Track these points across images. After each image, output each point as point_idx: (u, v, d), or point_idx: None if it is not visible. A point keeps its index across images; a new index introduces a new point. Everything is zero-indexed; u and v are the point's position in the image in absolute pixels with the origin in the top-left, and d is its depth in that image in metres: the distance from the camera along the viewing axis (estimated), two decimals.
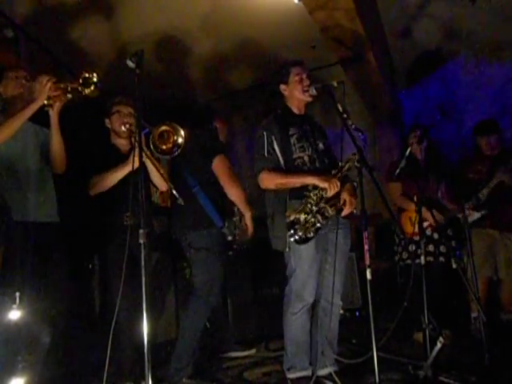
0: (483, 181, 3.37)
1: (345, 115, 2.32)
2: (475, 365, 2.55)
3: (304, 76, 2.57)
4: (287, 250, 2.41)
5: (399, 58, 4.84)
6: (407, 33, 4.30)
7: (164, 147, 2.36)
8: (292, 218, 2.33)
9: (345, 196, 2.42)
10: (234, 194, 2.76)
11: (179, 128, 2.36)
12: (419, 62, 4.90)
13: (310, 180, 2.39)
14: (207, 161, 2.76)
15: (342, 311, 4.16)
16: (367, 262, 2.10)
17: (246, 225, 2.85)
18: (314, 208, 2.36)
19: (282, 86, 2.62)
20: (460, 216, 3.25)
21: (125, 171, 2.55)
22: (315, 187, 2.38)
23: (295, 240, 2.34)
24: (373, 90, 4.67)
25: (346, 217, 2.49)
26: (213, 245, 2.69)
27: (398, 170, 3.08)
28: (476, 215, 3.35)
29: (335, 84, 2.37)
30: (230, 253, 3.29)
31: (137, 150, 2.40)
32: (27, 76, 2.50)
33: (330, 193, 2.35)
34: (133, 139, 2.53)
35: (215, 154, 2.75)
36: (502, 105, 4.61)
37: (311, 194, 2.37)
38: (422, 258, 2.64)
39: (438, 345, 2.35)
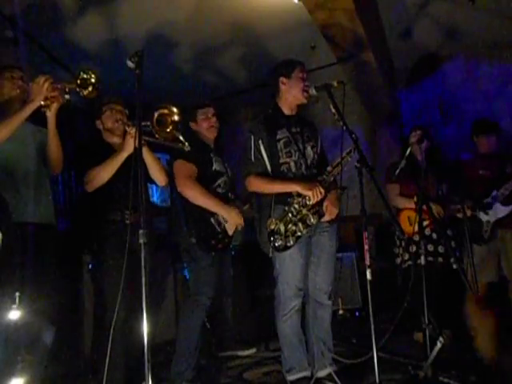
0: (496, 177, 3.36)
1: (336, 116, 2.31)
2: (475, 365, 2.56)
3: (305, 76, 2.58)
4: (271, 254, 2.46)
5: (399, 58, 4.84)
6: (407, 33, 4.30)
7: (167, 130, 2.33)
8: (272, 227, 2.37)
9: (327, 203, 2.45)
10: (191, 198, 2.73)
11: (171, 106, 2.33)
12: (419, 62, 4.90)
13: (294, 187, 2.41)
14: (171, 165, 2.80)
15: (341, 311, 4.22)
16: (367, 262, 2.10)
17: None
18: (296, 217, 2.39)
19: (283, 79, 2.57)
20: (460, 215, 3.25)
21: (123, 156, 2.50)
22: (299, 194, 2.40)
23: (275, 248, 2.38)
24: (372, 90, 4.67)
25: (329, 222, 2.52)
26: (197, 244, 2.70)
27: (397, 170, 3.08)
28: (501, 212, 3.31)
29: (335, 84, 2.36)
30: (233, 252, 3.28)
31: (132, 136, 2.40)
32: (24, 76, 2.47)
33: (314, 200, 2.37)
34: (127, 128, 2.47)
35: (175, 158, 2.77)
36: (502, 105, 4.61)
37: (294, 202, 2.40)
38: (422, 257, 2.64)
39: (438, 345, 2.35)
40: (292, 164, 2.50)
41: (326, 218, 2.48)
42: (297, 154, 2.51)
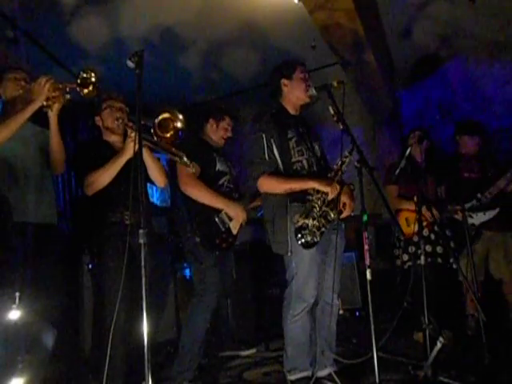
0: (480, 179, 3.37)
1: (335, 118, 2.31)
2: (475, 365, 2.56)
3: (307, 76, 2.59)
4: (289, 254, 2.41)
5: (399, 58, 4.84)
6: (407, 33, 4.30)
7: (168, 135, 2.31)
8: (300, 223, 2.35)
9: (344, 199, 2.43)
10: (194, 196, 2.74)
11: (177, 113, 2.31)
12: (419, 63, 4.90)
13: (312, 184, 2.40)
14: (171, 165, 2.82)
15: (342, 311, 4.22)
16: (367, 262, 2.10)
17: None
18: (319, 212, 2.38)
19: (284, 81, 2.58)
20: (458, 217, 3.26)
21: (123, 160, 2.46)
22: (317, 191, 2.39)
23: (302, 244, 2.35)
24: (372, 90, 4.67)
25: (343, 218, 2.51)
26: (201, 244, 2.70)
27: (397, 170, 3.08)
28: (486, 216, 3.33)
29: (335, 84, 2.36)
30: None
31: (133, 139, 2.39)
32: (27, 77, 2.48)
33: (331, 196, 2.37)
34: (128, 130, 2.44)
35: None
36: (502, 105, 4.61)
37: (314, 198, 2.39)
38: (422, 257, 2.64)
39: (438, 345, 2.35)
40: (304, 162, 2.50)
41: (347, 212, 2.47)
42: (307, 153, 2.52)
